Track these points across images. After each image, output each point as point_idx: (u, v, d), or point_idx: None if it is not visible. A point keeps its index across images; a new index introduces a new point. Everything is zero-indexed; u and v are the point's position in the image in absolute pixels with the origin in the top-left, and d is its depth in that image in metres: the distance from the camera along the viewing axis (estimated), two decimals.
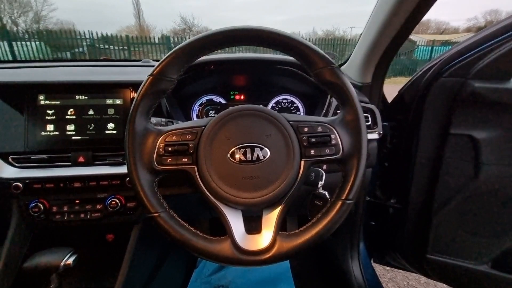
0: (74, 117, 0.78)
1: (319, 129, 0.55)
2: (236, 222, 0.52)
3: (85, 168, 0.77)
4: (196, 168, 0.53)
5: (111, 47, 11.13)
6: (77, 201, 0.78)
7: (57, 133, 0.77)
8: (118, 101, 0.79)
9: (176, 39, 11.64)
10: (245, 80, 0.96)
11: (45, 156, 0.75)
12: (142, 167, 0.52)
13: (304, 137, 0.54)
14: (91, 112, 0.78)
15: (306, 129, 0.55)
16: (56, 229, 0.82)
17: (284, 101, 0.97)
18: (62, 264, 0.67)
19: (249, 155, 0.51)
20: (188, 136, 0.54)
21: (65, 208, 0.77)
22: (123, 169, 0.77)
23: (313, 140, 0.54)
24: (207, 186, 0.52)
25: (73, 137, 0.77)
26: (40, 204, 0.75)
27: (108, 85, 0.79)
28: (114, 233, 0.91)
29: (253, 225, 0.53)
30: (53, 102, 0.77)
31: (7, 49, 9.65)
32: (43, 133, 0.76)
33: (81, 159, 0.77)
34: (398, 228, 1.07)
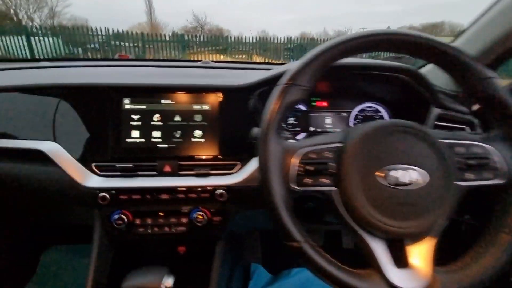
0: (161, 123, 0.72)
1: (476, 149, 0.48)
2: (381, 253, 0.46)
3: (171, 179, 0.71)
4: (338, 191, 0.46)
5: (124, 43, 11.19)
6: (161, 214, 0.73)
7: (142, 140, 0.72)
8: (206, 107, 0.73)
9: (188, 37, 11.62)
10: (327, 86, 0.89)
11: (130, 165, 0.70)
12: (282, 190, 0.46)
13: (460, 159, 0.47)
14: (177, 118, 0.73)
15: (461, 149, 0.48)
16: (126, 242, 0.77)
17: (368, 109, 0.90)
18: (162, 286, 0.62)
19: (403, 178, 0.45)
20: (327, 154, 0.47)
21: (149, 221, 0.72)
22: (211, 181, 0.71)
23: (470, 162, 0.47)
24: (352, 211, 0.46)
25: (158, 145, 0.72)
26: (123, 216, 0.70)
27: (198, 89, 0.73)
28: (186, 246, 0.85)
29: (399, 257, 0.47)
30: (138, 107, 0.72)
31: (25, 44, 9.78)
32: (128, 140, 0.71)
33: (167, 168, 0.72)
34: (470, 246, 0.99)
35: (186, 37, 11.41)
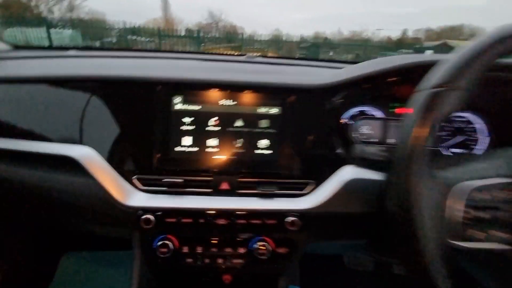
0: (218, 128, 0.58)
1: None
2: None
3: (230, 199, 0.57)
4: None
5: (140, 38, 11.19)
6: (214, 241, 0.59)
7: (195, 149, 0.58)
8: (274, 110, 0.59)
9: (204, 34, 11.54)
10: (412, 90, 0.73)
11: (180, 180, 0.56)
12: (437, 247, 0.31)
13: None
14: (239, 123, 0.59)
15: None
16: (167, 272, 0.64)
17: (458, 119, 0.74)
18: None
19: None
20: (502, 194, 0.32)
21: (199, 250, 0.59)
22: (279, 204, 0.57)
23: None
24: None
25: (215, 156, 0.58)
26: (168, 242, 0.56)
27: (269, 88, 0.59)
28: (232, 275, 0.71)
29: None
30: (192, 108, 0.58)
31: (44, 36, 9.90)
32: (177, 149, 0.58)
33: (224, 185, 0.58)
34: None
35: (201, 33, 11.34)
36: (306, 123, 0.60)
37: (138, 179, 0.57)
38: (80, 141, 0.57)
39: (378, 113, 0.75)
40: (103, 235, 0.81)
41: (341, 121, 0.65)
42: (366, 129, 0.74)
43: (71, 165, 0.55)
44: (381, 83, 0.64)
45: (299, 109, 0.59)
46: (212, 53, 1.00)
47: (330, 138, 0.60)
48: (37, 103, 0.59)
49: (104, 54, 0.88)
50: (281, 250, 0.59)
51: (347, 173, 0.57)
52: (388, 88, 0.70)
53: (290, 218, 0.55)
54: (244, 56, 0.98)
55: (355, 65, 0.75)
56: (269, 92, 0.59)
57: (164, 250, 0.56)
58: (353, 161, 0.58)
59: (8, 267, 0.88)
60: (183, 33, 11.04)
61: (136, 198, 0.55)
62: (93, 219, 0.61)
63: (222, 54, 1.08)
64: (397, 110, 0.74)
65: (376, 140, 0.73)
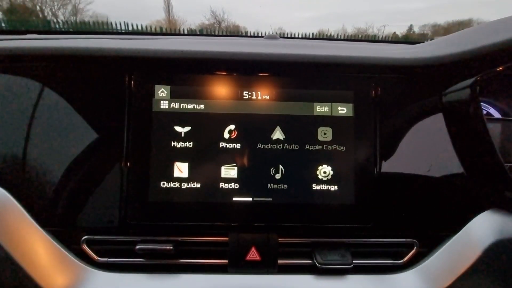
0: (239, 145, 0.32)
1: None
2: None
3: (262, 281, 0.31)
4: None
5: None
6: None
7: (197, 184, 0.31)
8: (341, 110, 0.32)
9: (206, 33, 11.34)
10: None
11: (168, 246, 0.30)
12: None
13: None
14: (277, 135, 0.32)
15: None
16: None
17: None
18: None
19: None
20: None
21: None
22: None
23: None
24: None
25: (234, 198, 0.31)
26: None
27: (327, 66, 0.32)
28: None
29: None
30: (189, 107, 0.32)
31: None
32: (164, 185, 0.31)
33: (252, 254, 0.31)
34: None
35: (204, 32, 11.15)
36: (403, 130, 0.33)
37: (89, 243, 0.31)
38: None
39: (495, 112, 0.47)
40: None
41: (476, 125, 0.35)
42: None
43: None
44: None
45: (389, 106, 0.32)
46: (224, 35, 0.73)
47: (451, 159, 0.32)
48: None
49: (68, 37, 0.62)
50: None
51: (490, 227, 0.30)
52: None
53: None
54: (264, 37, 0.71)
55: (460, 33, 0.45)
56: (330, 77, 0.32)
57: None
58: (501, 204, 0.31)
59: None
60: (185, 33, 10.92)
61: (86, 284, 0.29)
62: None
63: (240, 36, 0.80)
64: None
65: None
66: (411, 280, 0.30)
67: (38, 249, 0.29)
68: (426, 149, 0.32)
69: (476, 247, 0.29)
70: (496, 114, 0.48)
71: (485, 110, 0.46)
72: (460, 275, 0.29)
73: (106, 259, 0.30)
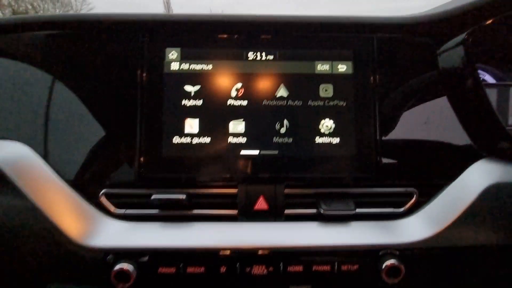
0: (245, 102, 0.34)
1: None
2: None
3: (270, 228, 0.32)
4: None
5: None
6: None
7: (207, 139, 0.33)
8: (341, 68, 0.34)
9: None
10: None
11: (181, 196, 0.32)
12: None
13: None
14: (282, 92, 0.34)
15: None
16: None
17: None
18: None
19: None
20: None
21: None
22: (359, 234, 0.31)
23: None
24: None
25: (243, 151, 0.34)
26: None
27: (329, 27, 0.33)
28: None
29: None
30: (198, 68, 0.34)
31: None
32: (176, 140, 0.33)
33: (260, 203, 0.33)
34: None
35: None
36: (401, 86, 0.34)
37: (108, 196, 0.32)
38: (2, 133, 0.33)
39: (489, 77, 0.49)
40: None
41: (469, 84, 0.36)
42: None
43: None
44: None
45: (387, 63, 0.34)
46: None
47: (447, 112, 0.34)
48: None
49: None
50: None
51: (484, 173, 0.31)
52: None
53: (388, 262, 0.30)
54: None
55: None
56: (331, 37, 0.34)
57: None
58: (494, 153, 0.33)
59: None
60: None
61: (104, 231, 0.31)
62: (34, 267, 0.36)
63: None
64: None
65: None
66: (411, 225, 0.32)
67: (61, 201, 0.31)
68: (423, 103, 0.34)
69: (472, 192, 0.31)
70: (492, 81, 0.49)
71: (481, 76, 0.47)
72: (457, 218, 0.30)
73: (124, 210, 0.33)
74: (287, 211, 0.33)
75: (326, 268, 0.31)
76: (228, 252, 0.31)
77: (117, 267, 0.29)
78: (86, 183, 0.33)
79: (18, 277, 0.34)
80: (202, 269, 0.31)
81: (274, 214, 0.33)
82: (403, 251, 0.30)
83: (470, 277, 0.32)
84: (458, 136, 0.34)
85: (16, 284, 0.36)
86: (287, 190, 0.33)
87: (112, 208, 0.33)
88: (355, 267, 0.31)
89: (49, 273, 0.33)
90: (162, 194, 0.32)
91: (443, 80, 0.34)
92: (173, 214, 0.33)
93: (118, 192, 0.33)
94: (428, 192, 0.34)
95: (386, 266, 0.30)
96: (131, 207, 0.33)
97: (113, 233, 0.31)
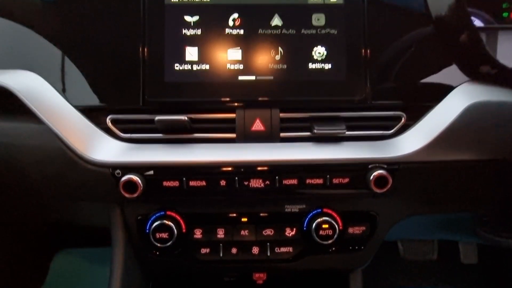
0: (242, 31, 0.35)
1: None
2: None
3: (267, 147, 0.34)
4: None
5: None
6: (245, 219, 0.37)
7: (205, 66, 0.35)
8: None
9: None
10: None
11: (183, 117, 0.34)
12: None
13: None
14: (276, 21, 0.35)
15: None
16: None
17: None
18: None
19: None
20: None
21: (220, 234, 0.36)
22: (350, 151, 0.34)
23: None
24: None
25: (240, 76, 0.35)
26: (169, 223, 0.34)
27: None
28: (270, 271, 0.48)
29: None
30: None
31: None
32: (177, 67, 0.35)
33: (257, 125, 0.35)
34: None
35: None
36: (389, 15, 0.36)
37: (114, 122, 0.35)
38: (17, 64, 0.35)
39: (478, 21, 0.50)
40: (94, 228, 0.60)
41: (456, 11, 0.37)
42: None
43: (6, 101, 0.33)
44: None
45: None
46: None
47: (433, 38, 0.36)
48: None
49: None
50: (355, 230, 0.36)
51: (467, 94, 0.33)
52: None
53: (376, 172, 0.32)
54: None
55: None
56: None
57: (164, 235, 0.34)
58: (477, 77, 0.35)
59: None
60: None
61: (111, 149, 0.33)
62: (45, 189, 0.38)
63: None
64: None
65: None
66: (398, 143, 0.34)
67: (73, 124, 0.34)
68: (411, 31, 0.36)
69: (455, 110, 0.33)
70: (480, 25, 0.51)
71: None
72: (439, 135, 0.32)
73: (130, 134, 0.35)
74: (282, 134, 0.35)
75: (319, 181, 0.33)
76: (227, 167, 0.33)
77: (125, 178, 0.31)
78: (94, 110, 0.35)
79: (34, 199, 0.37)
80: (203, 183, 0.33)
81: (270, 136, 0.35)
82: (391, 165, 0.33)
83: (447, 189, 0.34)
84: (443, 61, 0.36)
85: (31, 209, 0.38)
86: (282, 114, 0.35)
87: (119, 133, 0.35)
88: (346, 180, 0.33)
89: (63, 192, 0.36)
90: (166, 116, 0.34)
91: (430, 10, 0.36)
92: (176, 137, 0.35)
93: (124, 118, 0.35)
94: (415, 115, 0.36)
95: (374, 176, 0.32)
96: (137, 132, 0.35)
97: (120, 151, 0.33)
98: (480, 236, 0.44)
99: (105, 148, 0.33)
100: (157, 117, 0.33)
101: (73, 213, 0.55)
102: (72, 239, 0.99)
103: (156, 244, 0.34)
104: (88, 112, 0.35)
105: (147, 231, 0.35)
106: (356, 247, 0.37)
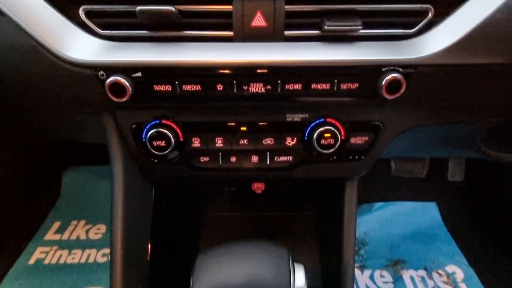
0: None
1: None
2: None
3: (268, 46, 0.30)
4: None
5: None
6: (244, 127, 0.35)
7: None
8: None
9: None
10: None
11: (170, 7, 0.29)
12: None
13: None
14: None
15: None
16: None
17: None
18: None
19: None
20: None
21: (219, 143, 0.36)
22: (363, 51, 0.29)
23: None
24: None
25: None
26: (165, 132, 0.33)
27: None
28: (265, 181, 0.50)
29: None
30: None
31: None
32: None
33: (258, 19, 0.30)
34: None
35: None
36: None
37: (90, 15, 0.29)
38: None
39: None
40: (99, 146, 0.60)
41: None
42: None
43: None
44: None
45: None
46: None
47: None
48: None
49: None
50: (357, 140, 0.35)
51: None
52: None
53: (389, 76, 0.29)
54: None
55: None
56: None
57: (161, 143, 0.33)
58: None
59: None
60: None
61: (90, 47, 0.29)
62: (29, 95, 0.35)
63: None
64: None
65: None
66: (419, 43, 0.30)
67: (43, 19, 0.28)
68: None
69: (490, 5, 0.27)
70: None
71: None
72: (467, 34, 0.28)
73: (110, 31, 0.30)
74: (287, 32, 0.30)
75: (326, 86, 0.30)
76: (224, 69, 0.29)
77: (111, 78, 0.28)
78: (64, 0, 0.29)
79: (19, 111, 0.35)
80: (198, 87, 0.30)
81: (272, 34, 0.30)
82: (407, 68, 0.29)
83: (463, 96, 0.32)
84: None
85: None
86: (288, 7, 0.29)
87: (96, 29, 0.30)
88: (355, 85, 0.30)
89: (46, 99, 0.33)
90: (150, 6, 0.28)
91: None
92: (164, 35, 0.30)
93: (100, 9, 0.29)
94: (444, 11, 0.30)
95: (387, 80, 0.29)
96: (118, 28, 0.30)
97: (102, 50, 0.29)
98: (483, 152, 0.44)
99: (83, 46, 0.29)
100: (138, 7, 0.28)
101: (70, 130, 0.54)
102: (79, 158, 1.04)
103: (154, 152, 0.34)
104: (57, 3, 0.29)
105: (144, 139, 0.34)
106: (356, 157, 0.37)
